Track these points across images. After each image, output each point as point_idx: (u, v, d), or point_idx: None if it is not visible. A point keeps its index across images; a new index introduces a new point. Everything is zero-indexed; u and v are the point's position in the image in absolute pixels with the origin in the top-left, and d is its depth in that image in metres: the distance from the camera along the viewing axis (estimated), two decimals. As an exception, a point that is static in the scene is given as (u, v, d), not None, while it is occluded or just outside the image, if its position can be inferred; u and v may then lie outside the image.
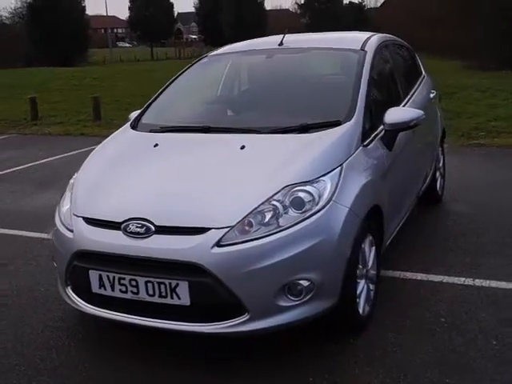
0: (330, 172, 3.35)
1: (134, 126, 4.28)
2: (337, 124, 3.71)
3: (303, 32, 7.04)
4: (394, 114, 3.97)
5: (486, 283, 4.15)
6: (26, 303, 4.19)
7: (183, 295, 3.09)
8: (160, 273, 3.12)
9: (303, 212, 3.17)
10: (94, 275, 3.28)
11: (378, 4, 66.22)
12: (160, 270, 3.13)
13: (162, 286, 3.11)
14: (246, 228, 3.10)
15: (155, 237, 3.15)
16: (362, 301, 3.56)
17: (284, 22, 57.72)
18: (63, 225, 3.51)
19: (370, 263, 3.67)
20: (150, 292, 3.15)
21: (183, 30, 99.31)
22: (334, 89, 4.21)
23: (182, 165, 3.61)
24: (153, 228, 3.15)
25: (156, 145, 3.83)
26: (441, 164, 6.09)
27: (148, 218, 3.18)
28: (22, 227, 5.71)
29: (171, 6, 71.84)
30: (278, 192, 3.18)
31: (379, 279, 3.86)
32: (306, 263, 3.12)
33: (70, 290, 3.50)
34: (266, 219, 3.11)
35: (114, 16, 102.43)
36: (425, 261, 4.59)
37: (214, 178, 3.38)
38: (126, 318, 3.28)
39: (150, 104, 4.54)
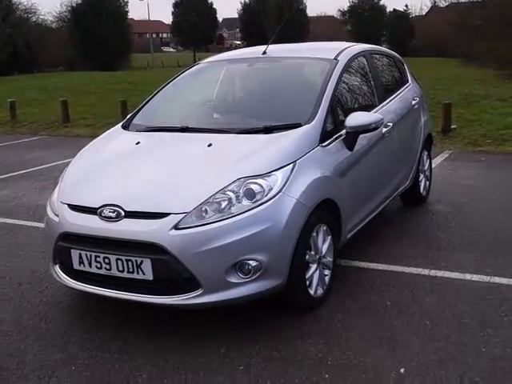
0: (282, 167, 3.80)
1: (125, 126, 4.83)
2: (298, 126, 4.17)
3: (345, 40, 7.45)
4: (354, 118, 4.40)
5: (440, 273, 4.54)
6: (28, 282, 4.74)
7: (147, 271, 3.58)
8: (128, 251, 3.62)
9: (254, 202, 3.63)
10: (75, 254, 3.80)
11: (423, 12, 66.14)
12: (128, 250, 3.62)
13: (130, 263, 3.61)
14: (202, 214, 3.57)
15: (124, 220, 3.65)
16: (314, 283, 3.99)
17: (327, 29, 58.42)
18: (52, 211, 4.05)
19: (325, 250, 4.10)
20: (120, 268, 3.65)
21: (228, 35, 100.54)
22: (301, 94, 4.66)
23: (154, 159, 4.13)
24: (123, 213, 3.66)
25: (138, 142, 4.36)
26: (426, 167, 6.46)
27: (119, 204, 3.69)
28: (40, 220, 6.28)
29: (214, 11, 72.78)
30: (232, 183, 3.65)
31: (335, 266, 4.27)
32: (254, 246, 3.57)
33: (57, 268, 4.03)
34: (220, 207, 3.59)
35: (159, 21, 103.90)
36: (391, 253, 4.99)
37: (179, 171, 3.89)
38: (101, 291, 3.80)
39: (143, 106, 5.09)
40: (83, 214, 3.82)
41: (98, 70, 32.84)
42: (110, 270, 3.69)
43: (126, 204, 3.68)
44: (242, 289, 3.60)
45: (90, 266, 3.75)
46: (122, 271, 3.65)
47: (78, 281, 3.90)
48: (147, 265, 3.57)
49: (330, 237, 4.16)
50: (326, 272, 4.17)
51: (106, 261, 3.69)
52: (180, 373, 3.39)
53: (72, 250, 3.81)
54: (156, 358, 3.54)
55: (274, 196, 3.67)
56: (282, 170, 3.79)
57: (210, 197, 3.60)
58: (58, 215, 3.97)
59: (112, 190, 3.86)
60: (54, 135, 12.96)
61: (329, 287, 4.19)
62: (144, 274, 3.59)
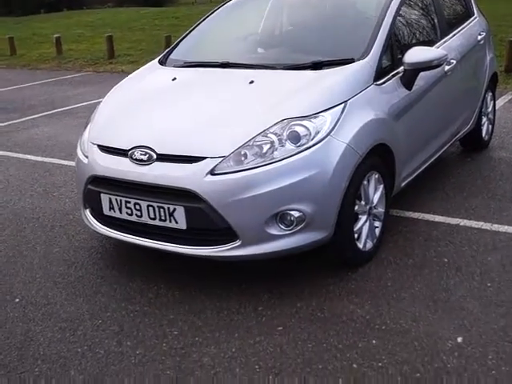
0: (331, 108, 3.40)
1: (162, 62, 4.46)
2: (350, 62, 3.73)
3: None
4: (414, 54, 3.93)
5: (504, 228, 4.12)
6: (60, 225, 4.52)
7: (180, 219, 3.28)
8: (160, 198, 3.32)
9: (299, 146, 3.25)
10: (104, 198, 3.52)
11: None
12: (160, 196, 3.32)
13: (162, 210, 3.31)
14: (241, 159, 3.22)
15: (156, 164, 3.33)
16: (363, 236, 3.64)
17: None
18: (82, 152, 3.77)
19: (376, 200, 3.73)
20: (152, 215, 3.36)
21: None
22: (355, 27, 4.20)
23: (191, 98, 3.76)
24: (154, 156, 3.34)
25: (174, 79, 3.99)
26: (489, 110, 5.93)
27: (151, 146, 3.37)
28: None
29: None
30: (275, 125, 3.28)
31: (387, 217, 3.90)
32: (297, 195, 3.22)
33: (87, 212, 3.77)
34: (261, 151, 3.23)
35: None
36: (449, 204, 4.57)
37: (217, 110, 3.52)
38: (132, 239, 3.52)
39: (182, 40, 4.70)
40: (113, 156, 3.52)
41: (146, 6, 32.23)
42: (141, 216, 3.40)
43: (158, 146, 3.36)
44: (283, 241, 3.28)
45: (121, 212, 3.47)
46: (154, 219, 3.36)
47: (108, 227, 3.64)
48: (180, 213, 3.26)
49: (382, 186, 3.78)
50: (377, 224, 3.81)
51: (137, 207, 3.40)
52: (213, 330, 3.11)
53: (102, 195, 3.53)
54: (188, 314, 3.27)
55: (322, 140, 3.28)
56: (331, 110, 3.39)
57: (250, 140, 3.24)
58: (87, 156, 3.68)
59: (144, 131, 3.53)
60: (98, 72, 12.70)
61: (379, 240, 3.84)
62: (177, 222, 3.29)
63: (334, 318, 3.17)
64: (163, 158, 3.32)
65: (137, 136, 3.49)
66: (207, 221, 3.22)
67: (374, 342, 2.96)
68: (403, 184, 4.16)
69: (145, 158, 3.36)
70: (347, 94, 3.51)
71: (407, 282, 3.47)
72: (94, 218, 3.72)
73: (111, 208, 3.51)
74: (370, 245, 3.72)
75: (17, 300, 3.50)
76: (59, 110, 8.81)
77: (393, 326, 3.07)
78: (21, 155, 6.50)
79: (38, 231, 4.44)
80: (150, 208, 3.35)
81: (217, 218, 3.20)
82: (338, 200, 3.33)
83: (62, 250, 4.13)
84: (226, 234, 3.26)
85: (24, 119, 8.33)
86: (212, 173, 3.19)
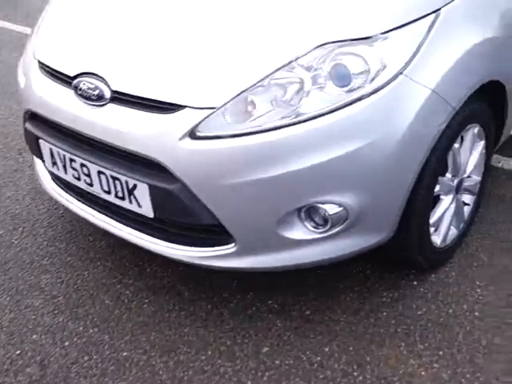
0: (409, 23, 1.94)
1: None
2: None
3: None
4: None
5: None
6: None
7: (144, 203, 2.02)
8: (114, 164, 2.04)
9: (348, 91, 1.85)
10: (45, 148, 2.29)
11: None
12: (114, 160, 2.04)
13: (118, 184, 2.06)
14: (247, 110, 1.86)
15: (110, 107, 2.02)
16: (443, 227, 2.31)
17: None
18: (21, 69, 2.48)
19: (471, 167, 2.35)
20: (105, 188, 2.12)
21: None
22: None
23: (173, 7, 2.28)
24: (108, 93, 2.02)
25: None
26: None
27: (103, 76, 2.04)
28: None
29: None
30: (309, 53, 1.87)
31: (484, 188, 2.53)
32: (338, 178, 1.88)
33: (36, 160, 2.56)
34: (282, 97, 1.85)
35: None
36: None
37: (212, 28, 2.07)
38: (88, 215, 2.31)
39: None
40: (56, 84, 2.21)
41: None
42: (91, 185, 2.17)
43: (114, 78, 2.03)
44: (308, 250, 2.00)
45: (66, 173, 2.25)
46: (108, 193, 2.12)
47: (60, 188, 2.43)
48: (143, 193, 1.99)
49: (482, 142, 2.37)
50: (468, 200, 2.44)
51: (85, 171, 2.15)
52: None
53: (41, 142, 2.28)
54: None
55: (389, 82, 1.87)
56: (408, 28, 1.93)
57: (265, 78, 1.85)
58: (24, 76, 2.40)
59: (98, 52, 2.17)
60: None
61: (469, 223, 2.48)
62: (140, 206, 2.04)
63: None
64: (120, 98, 2.00)
65: (86, 58, 2.15)
66: (184, 212, 1.95)
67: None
68: (512, 131, 2.73)
69: (94, 93, 2.04)
70: (438, -1, 2.02)
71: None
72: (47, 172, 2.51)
73: (54, 163, 2.28)
74: (453, 235, 2.39)
75: None
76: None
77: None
78: None
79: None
80: (102, 176, 2.10)
81: (199, 208, 1.92)
82: (406, 185, 1.98)
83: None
84: (214, 231, 1.99)
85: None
86: (193, 135, 1.86)
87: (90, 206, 2.30)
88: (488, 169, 2.49)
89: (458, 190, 2.33)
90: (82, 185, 2.21)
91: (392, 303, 2.17)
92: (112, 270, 2.45)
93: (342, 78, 1.86)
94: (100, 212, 2.26)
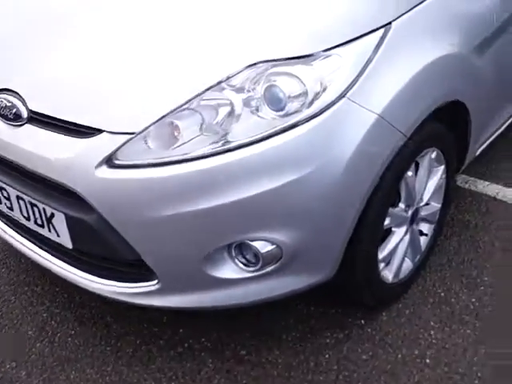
0: (353, 40, 1.75)
1: None
2: None
3: None
4: None
5: None
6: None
7: (62, 232, 1.85)
8: (32, 189, 1.87)
9: (283, 116, 1.67)
10: (-36, 166, 2.09)
11: None
12: (32, 186, 1.87)
13: (36, 210, 1.88)
14: (170, 136, 1.68)
15: (27, 127, 1.84)
16: (395, 261, 2.14)
17: None
18: None
19: (428, 195, 2.19)
20: (25, 213, 1.94)
21: None
22: None
23: (99, 21, 2.04)
24: (25, 113, 1.83)
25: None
26: None
27: (20, 94, 1.86)
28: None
29: None
30: (240, 73, 1.68)
31: (445, 215, 2.35)
32: (271, 212, 1.70)
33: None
34: (210, 120, 1.67)
35: None
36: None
37: (138, 50, 1.85)
38: (11, 239, 2.13)
39: None
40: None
41: None
42: (11, 209, 1.98)
43: (31, 97, 1.85)
44: (238, 290, 1.82)
45: (-15, 194, 2.05)
46: (28, 219, 1.93)
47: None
48: (60, 222, 1.82)
49: (442, 167, 2.20)
50: (425, 229, 2.27)
51: (5, 194, 1.97)
52: None
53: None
54: None
55: (329, 106, 1.69)
56: (353, 44, 1.74)
57: (191, 99, 1.66)
58: None
59: (18, 68, 1.99)
60: None
61: (427, 254, 2.31)
62: (58, 235, 1.86)
63: None
64: (38, 119, 1.82)
65: (4, 74, 1.98)
66: (102, 244, 1.78)
67: None
68: (479, 150, 2.56)
69: (12, 111, 1.86)
70: (392, 8, 1.84)
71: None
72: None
73: (-27, 182, 2.09)
74: (408, 269, 2.21)
75: None
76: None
77: None
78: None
79: None
80: (21, 202, 1.92)
81: (117, 242, 1.74)
82: (349, 220, 1.80)
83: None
84: (136, 266, 1.81)
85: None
86: (110, 162, 1.68)
87: (12, 229, 2.13)
88: (449, 195, 2.32)
89: (414, 220, 2.16)
90: (3, 208, 2.03)
91: (336, 345, 2.00)
92: (41, 296, 2.28)
93: (276, 101, 1.68)
94: (23, 236, 2.09)
